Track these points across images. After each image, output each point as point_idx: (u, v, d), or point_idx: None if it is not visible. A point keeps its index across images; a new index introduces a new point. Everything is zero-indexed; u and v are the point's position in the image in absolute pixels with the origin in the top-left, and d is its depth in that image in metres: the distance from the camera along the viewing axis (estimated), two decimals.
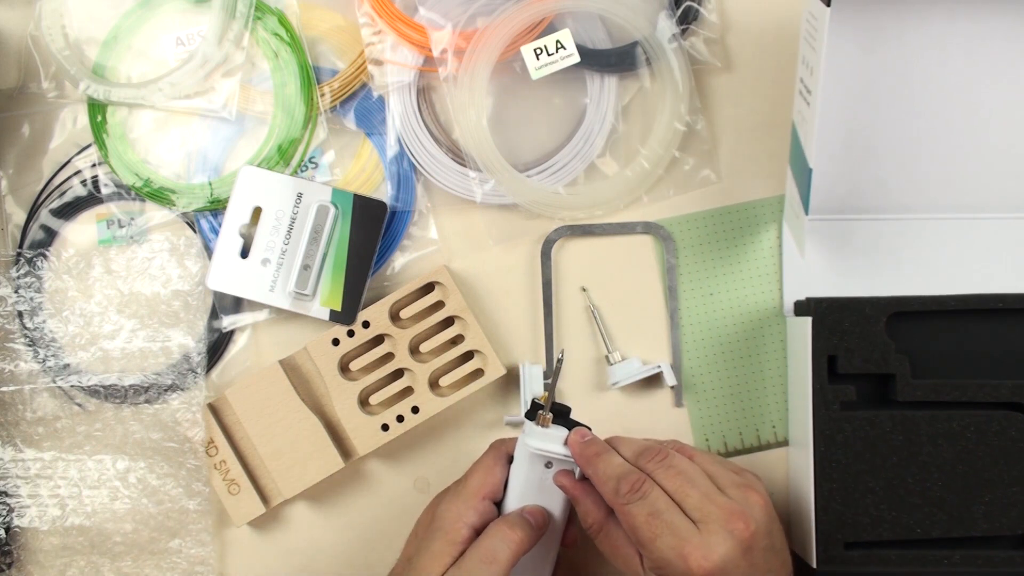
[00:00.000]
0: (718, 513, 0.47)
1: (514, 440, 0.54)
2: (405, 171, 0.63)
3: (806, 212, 0.55)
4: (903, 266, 0.61)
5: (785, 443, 0.62)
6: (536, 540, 0.52)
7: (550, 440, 0.51)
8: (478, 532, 0.51)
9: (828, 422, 0.57)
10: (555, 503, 0.53)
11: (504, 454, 0.54)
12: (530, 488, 0.53)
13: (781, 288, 0.63)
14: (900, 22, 0.52)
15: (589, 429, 0.52)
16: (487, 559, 0.49)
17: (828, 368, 0.57)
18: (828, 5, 0.47)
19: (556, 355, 0.58)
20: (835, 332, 0.57)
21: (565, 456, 0.51)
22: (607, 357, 0.62)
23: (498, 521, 0.51)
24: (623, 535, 0.50)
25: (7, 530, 0.62)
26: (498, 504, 0.54)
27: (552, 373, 0.53)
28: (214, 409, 0.62)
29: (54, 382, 0.63)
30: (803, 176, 0.54)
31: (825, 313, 0.57)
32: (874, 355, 0.57)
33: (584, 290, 0.62)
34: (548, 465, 0.52)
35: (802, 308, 0.60)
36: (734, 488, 0.49)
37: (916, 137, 0.57)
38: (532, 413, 0.52)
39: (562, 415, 0.53)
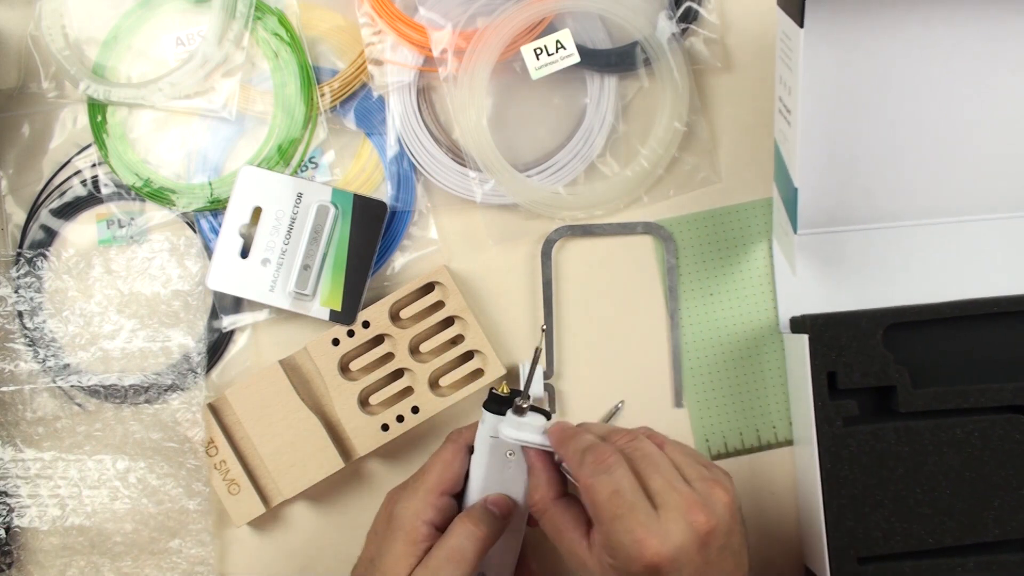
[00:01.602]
0: (679, 501, 0.45)
1: (471, 429, 0.53)
2: (405, 171, 0.63)
3: (795, 230, 0.55)
4: (896, 274, 0.61)
5: (786, 443, 0.62)
6: (502, 530, 0.51)
7: (528, 430, 0.50)
8: (439, 528, 0.50)
9: (832, 438, 0.57)
10: (518, 487, 0.52)
11: (463, 446, 0.53)
12: (492, 477, 0.52)
13: (777, 295, 0.63)
14: (875, 33, 0.52)
15: (549, 416, 0.51)
16: (454, 558, 0.48)
17: (828, 384, 0.57)
18: (802, 26, 0.46)
19: (540, 336, 0.56)
20: (833, 348, 0.57)
21: (544, 446, 0.50)
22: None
23: (462, 517, 0.50)
24: (570, 518, 0.48)
25: (7, 530, 0.62)
26: (458, 495, 0.53)
27: (531, 365, 0.51)
28: (214, 409, 0.62)
29: (54, 382, 0.63)
30: (789, 194, 0.54)
31: (822, 329, 0.57)
32: (873, 368, 0.57)
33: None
34: (511, 454, 0.51)
35: (798, 325, 0.60)
36: (700, 481, 0.47)
37: (900, 145, 0.57)
38: (490, 405, 0.51)
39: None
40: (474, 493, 0.52)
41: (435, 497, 0.51)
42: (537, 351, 0.52)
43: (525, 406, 0.50)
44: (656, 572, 0.44)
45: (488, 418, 0.52)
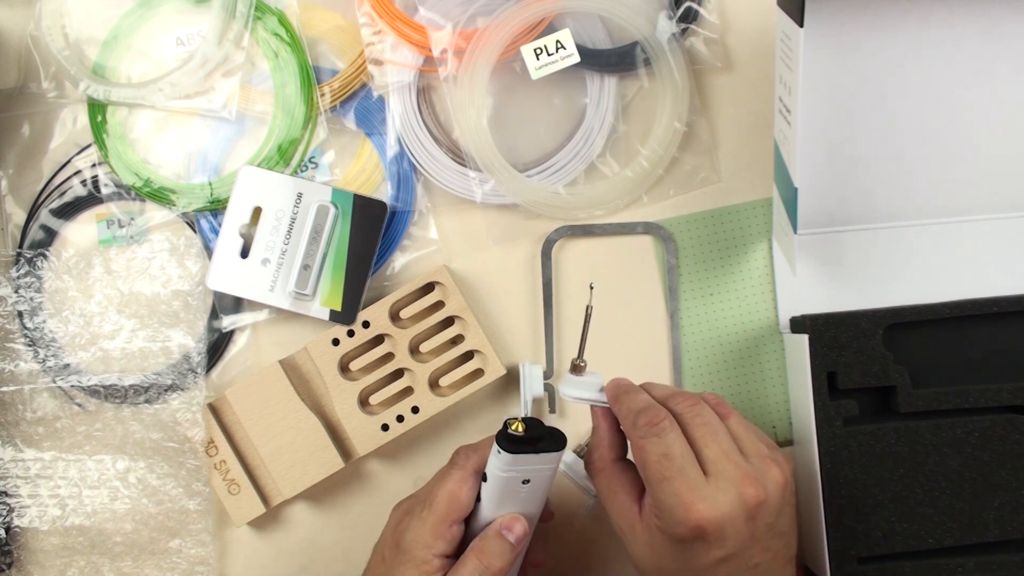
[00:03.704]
0: (732, 472, 0.46)
1: (479, 452, 0.52)
2: (405, 171, 0.63)
3: (795, 230, 0.55)
4: (896, 274, 0.61)
5: (786, 443, 0.62)
6: (516, 556, 0.50)
7: (585, 388, 0.51)
8: (449, 557, 0.50)
9: (832, 439, 0.57)
10: (531, 509, 0.51)
11: (471, 472, 0.51)
12: (506, 504, 0.51)
13: (777, 295, 0.63)
14: (875, 33, 0.52)
15: (564, 438, 0.50)
16: None
17: (828, 384, 0.57)
18: (802, 26, 0.46)
19: (589, 294, 0.54)
20: (833, 348, 0.57)
21: (603, 403, 0.51)
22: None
23: (475, 551, 0.49)
24: (625, 481, 0.49)
25: (7, 530, 0.62)
26: (468, 518, 0.51)
27: (584, 325, 0.51)
28: (214, 409, 0.62)
29: (54, 382, 0.63)
30: (789, 194, 0.54)
31: (822, 330, 0.57)
32: (873, 368, 0.57)
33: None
34: (525, 482, 0.50)
35: (798, 325, 0.60)
36: (757, 457, 0.47)
37: (900, 145, 0.57)
38: (502, 442, 0.48)
39: (534, 440, 0.49)
40: (485, 518, 0.51)
41: (444, 528, 0.50)
42: (588, 309, 0.51)
43: (582, 364, 0.51)
44: (701, 535, 0.45)
45: (505, 459, 0.49)
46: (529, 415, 0.60)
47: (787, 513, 0.48)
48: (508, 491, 0.50)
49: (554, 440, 0.50)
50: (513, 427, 0.49)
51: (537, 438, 0.49)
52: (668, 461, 0.46)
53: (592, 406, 0.51)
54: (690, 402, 0.49)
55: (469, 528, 0.52)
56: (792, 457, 0.49)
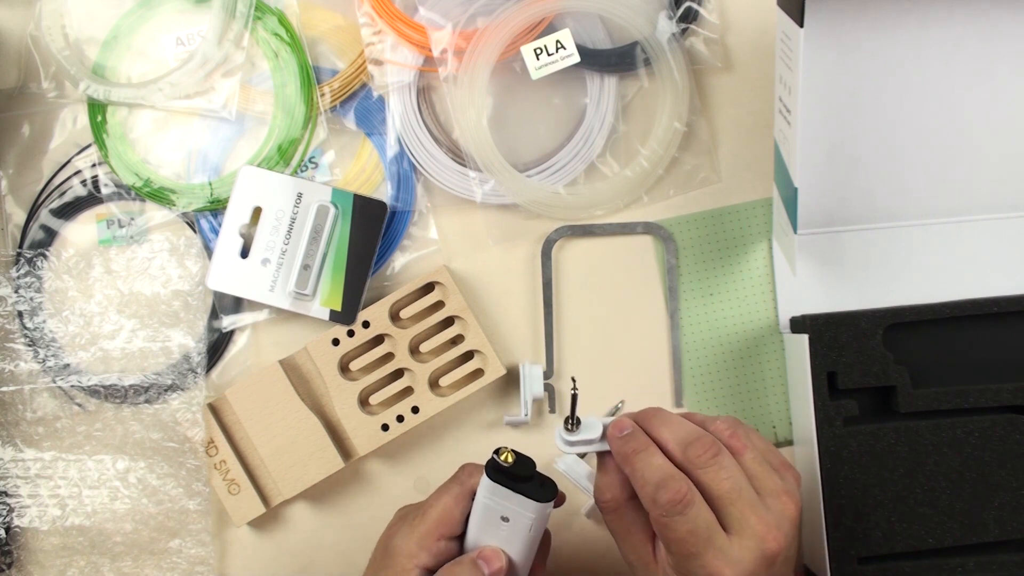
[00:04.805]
0: (756, 525, 0.45)
1: (482, 470, 0.50)
2: (405, 171, 0.63)
3: (795, 230, 0.55)
4: (896, 274, 0.61)
5: (786, 443, 0.62)
6: None
7: (585, 433, 0.49)
8: (431, 571, 0.50)
9: (832, 439, 0.57)
10: (514, 548, 0.50)
11: (468, 491, 0.51)
12: (487, 535, 0.50)
13: (777, 295, 0.63)
14: (875, 33, 0.52)
15: (553, 493, 0.49)
16: None
17: (828, 384, 0.57)
18: (802, 26, 0.46)
19: (571, 387, 0.52)
20: (833, 348, 0.57)
21: (605, 450, 0.48)
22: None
23: (445, 571, 0.49)
24: (638, 521, 0.48)
25: (7, 530, 0.62)
26: (460, 536, 0.51)
27: (571, 404, 0.49)
28: (214, 409, 0.62)
29: (54, 382, 0.63)
30: (789, 194, 0.54)
31: (822, 330, 0.57)
32: (873, 368, 0.57)
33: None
34: (504, 519, 0.49)
35: (798, 325, 0.60)
36: (774, 497, 0.46)
37: (900, 145, 0.57)
38: (490, 470, 0.48)
39: (524, 478, 0.48)
40: (470, 542, 0.51)
41: (431, 541, 0.50)
42: (574, 397, 0.49)
43: (576, 419, 0.48)
44: None
45: (485, 483, 0.49)
46: (529, 416, 0.60)
47: (796, 539, 0.48)
48: (488, 521, 0.50)
49: (540, 488, 0.48)
50: (503, 456, 0.48)
51: (520, 477, 0.48)
52: (694, 537, 0.44)
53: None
54: (710, 453, 0.46)
55: (461, 551, 0.51)
56: (793, 458, 0.48)
